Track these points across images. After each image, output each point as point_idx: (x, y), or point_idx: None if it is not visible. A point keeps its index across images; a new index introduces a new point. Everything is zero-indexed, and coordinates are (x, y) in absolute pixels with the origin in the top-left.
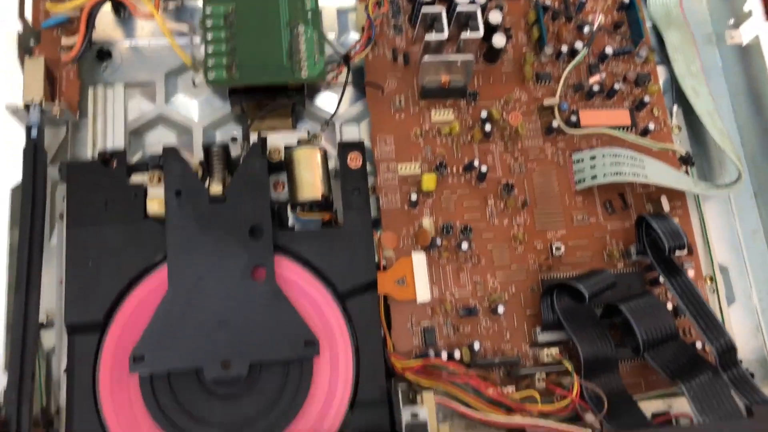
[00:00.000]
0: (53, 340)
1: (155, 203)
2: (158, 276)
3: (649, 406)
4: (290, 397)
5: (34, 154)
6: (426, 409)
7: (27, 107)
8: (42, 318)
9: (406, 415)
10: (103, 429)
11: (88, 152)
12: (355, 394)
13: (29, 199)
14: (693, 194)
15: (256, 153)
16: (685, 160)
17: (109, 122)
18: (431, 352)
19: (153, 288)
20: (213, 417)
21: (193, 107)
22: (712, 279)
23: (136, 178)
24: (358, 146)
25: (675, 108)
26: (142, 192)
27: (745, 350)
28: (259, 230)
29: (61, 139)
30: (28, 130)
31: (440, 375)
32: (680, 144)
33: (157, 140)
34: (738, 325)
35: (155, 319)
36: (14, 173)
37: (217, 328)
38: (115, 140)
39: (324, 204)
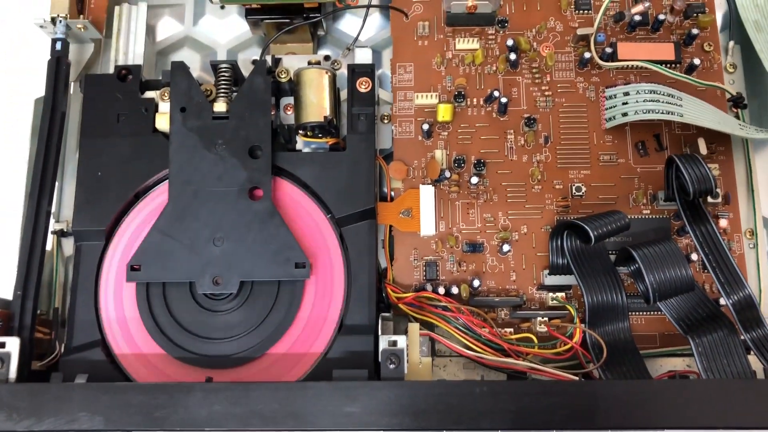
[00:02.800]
0: (72, 247)
1: (163, 118)
2: (163, 190)
3: (665, 364)
4: (279, 317)
5: (56, 67)
6: (405, 339)
7: (53, 21)
8: (63, 226)
9: (384, 342)
10: (101, 332)
11: (113, 70)
12: (344, 319)
13: (49, 108)
14: (740, 139)
15: (261, 72)
16: (736, 102)
17: (131, 40)
18: (428, 286)
19: (157, 202)
20: (202, 330)
21: (220, 29)
22: (753, 233)
23: (150, 94)
24: (368, 70)
25: (731, 44)
26: (152, 107)
27: None
28: (258, 150)
29: (88, 57)
30: (53, 43)
31: (436, 310)
32: (733, 85)
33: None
34: None
35: (153, 231)
36: (41, 86)
37: (212, 245)
38: (135, 59)
39: (328, 128)
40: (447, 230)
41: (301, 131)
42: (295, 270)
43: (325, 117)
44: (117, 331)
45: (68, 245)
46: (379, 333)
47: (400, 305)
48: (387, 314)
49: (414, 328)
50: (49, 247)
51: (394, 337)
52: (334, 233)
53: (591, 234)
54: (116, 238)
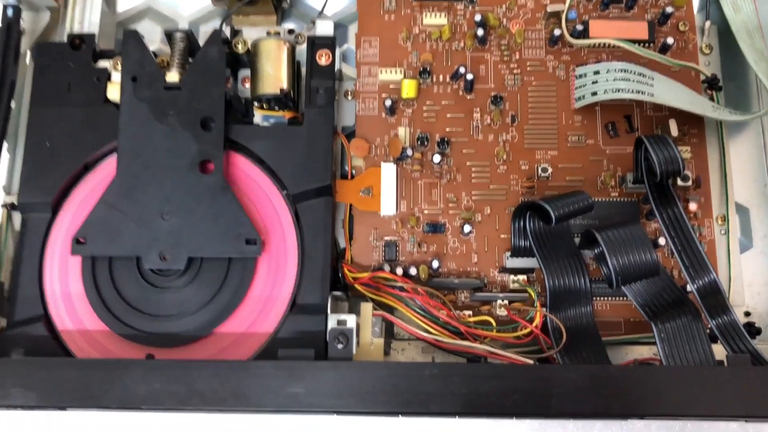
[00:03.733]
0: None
1: (114, 88)
2: (112, 162)
3: (630, 352)
4: (229, 294)
5: (7, 34)
6: (356, 318)
7: None
8: (14, 199)
9: (332, 321)
10: (44, 307)
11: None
12: (296, 298)
13: None
14: (714, 122)
15: (216, 41)
16: (711, 84)
17: (88, 9)
18: (386, 267)
19: (106, 174)
20: (148, 307)
21: (183, 1)
22: (725, 219)
23: (104, 64)
24: (328, 42)
25: (708, 24)
26: (105, 76)
27: (756, 302)
28: (211, 122)
29: (44, 26)
30: (4, 9)
31: (393, 291)
32: (708, 66)
33: (143, 33)
34: (751, 275)
35: (100, 203)
36: None
37: (160, 219)
38: (91, 28)
39: (285, 101)
40: (408, 210)
41: (256, 103)
42: (245, 247)
43: (282, 89)
44: (61, 306)
45: (18, 219)
46: (328, 312)
47: (356, 285)
48: (338, 293)
49: (366, 307)
50: None
51: (343, 316)
52: (289, 210)
53: (552, 214)
54: (63, 211)
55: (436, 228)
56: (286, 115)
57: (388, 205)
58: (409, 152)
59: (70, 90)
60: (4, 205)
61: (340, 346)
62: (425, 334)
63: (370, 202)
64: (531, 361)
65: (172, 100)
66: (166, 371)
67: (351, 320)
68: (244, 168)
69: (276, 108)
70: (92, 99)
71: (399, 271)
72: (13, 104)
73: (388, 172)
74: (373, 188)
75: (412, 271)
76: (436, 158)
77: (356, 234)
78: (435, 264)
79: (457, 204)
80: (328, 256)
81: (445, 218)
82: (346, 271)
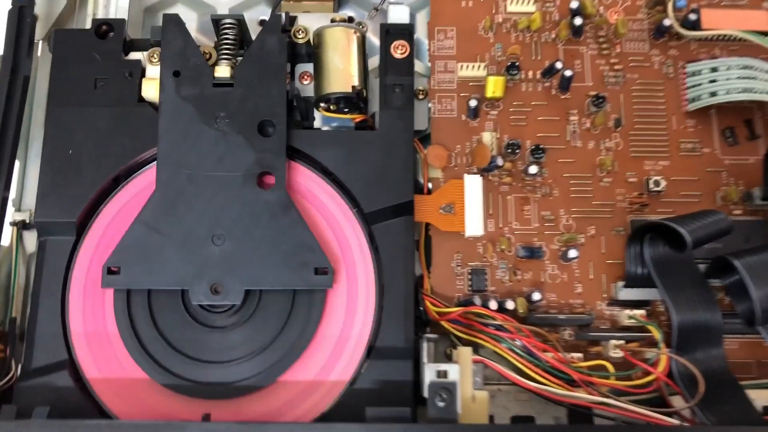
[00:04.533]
0: (33, 244)
1: (151, 85)
2: (149, 174)
3: (759, 396)
4: (294, 335)
5: (18, 19)
6: (458, 367)
7: None
8: (25, 216)
9: (431, 372)
10: (69, 350)
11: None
12: (375, 340)
13: (8, 70)
14: None
15: (274, 29)
16: None
17: None
18: (477, 300)
19: (142, 188)
20: (197, 351)
21: None
22: None
23: (136, 56)
24: (405, 31)
25: None
26: (138, 71)
27: None
28: (270, 126)
29: (60, 10)
30: None
31: (486, 330)
32: None
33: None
34: None
35: (136, 224)
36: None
37: (210, 244)
38: (118, 12)
39: (356, 101)
40: (497, 231)
41: (322, 104)
42: (314, 277)
43: (354, 87)
44: (89, 349)
45: (31, 240)
46: (424, 359)
47: (443, 323)
48: (432, 335)
49: (465, 353)
50: (6, 242)
51: (444, 366)
52: (362, 232)
53: (686, 239)
54: (90, 233)
55: (532, 253)
56: (355, 118)
57: (473, 225)
58: (499, 162)
59: (96, 87)
60: (14, 224)
61: (442, 404)
62: (531, 383)
63: (452, 221)
64: (674, 420)
65: (222, 100)
66: None
67: (453, 371)
68: (308, 181)
69: (345, 110)
70: (123, 98)
71: (493, 305)
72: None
73: (473, 185)
74: (455, 204)
75: (509, 304)
76: (532, 169)
77: (435, 259)
78: (536, 296)
79: (554, 223)
80: (411, 287)
81: (542, 240)
82: (428, 304)
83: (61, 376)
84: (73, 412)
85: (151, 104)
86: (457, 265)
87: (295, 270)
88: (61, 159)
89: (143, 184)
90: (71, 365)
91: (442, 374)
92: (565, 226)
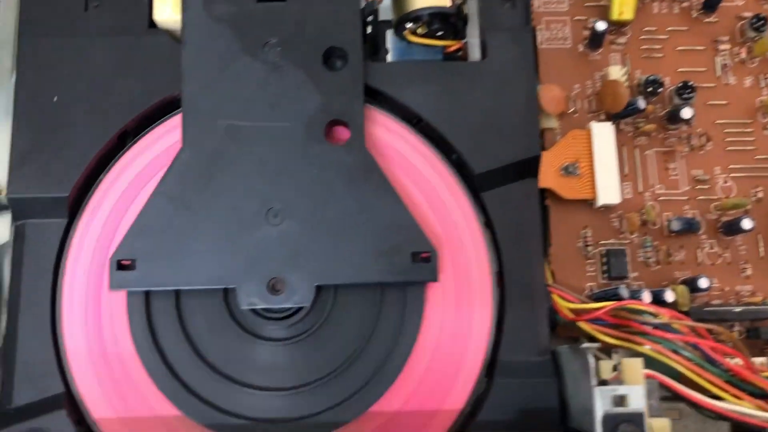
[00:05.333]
0: (7, 231)
1: (167, 4)
2: (173, 127)
3: None
4: (385, 349)
5: None
6: (641, 391)
7: None
8: None
9: (604, 399)
10: (65, 381)
11: None
12: (496, 351)
13: None
14: None
15: None
16: None
17: None
18: (624, 291)
19: (161, 147)
20: (248, 375)
21: None
22: None
23: None
24: None
25: None
26: None
27: None
28: (339, 56)
29: None
30: None
31: (650, 332)
32: None
33: None
34: None
35: (156, 199)
36: None
37: (264, 223)
38: None
39: (454, 21)
40: (636, 197)
41: (409, 25)
42: (412, 266)
43: (454, 1)
44: (95, 378)
45: (1, 226)
46: (593, 380)
47: (581, 324)
48: (592, 344)
49: (634, 367)
50: None
51: (622, 388)
52: (469, 203)
53: None
54: (89, 213)
55: (689, 226)
56: (450, 45)
57: (608, 190)
58: (641, 104)
59: (87, 8)
60: None
61: None
62: (717, 403)
63: (576, 186)
64: None
65: (272, 21)
66: None
67: (636, 396)
68: (390, 134)
69: (439, 33)
70: (128, 23)
71: (646, 297)
72: None
73: (605, 136)
74: (580, 163)
75: (667, 296)
76: (686, 113)
77: (555, 237)
78: (703, 283)
79: (709, 185)
80: (542, 276)
81: (694, 208)
82: (556, 299)
83: (56, 418)
84: None
85: (168, 32)
86: (586, 245)
87: (384, 257)
88: (43, 111)
89: (162, 142)
90: (69, 401)
91: (618, 401)
92: (723, 189)
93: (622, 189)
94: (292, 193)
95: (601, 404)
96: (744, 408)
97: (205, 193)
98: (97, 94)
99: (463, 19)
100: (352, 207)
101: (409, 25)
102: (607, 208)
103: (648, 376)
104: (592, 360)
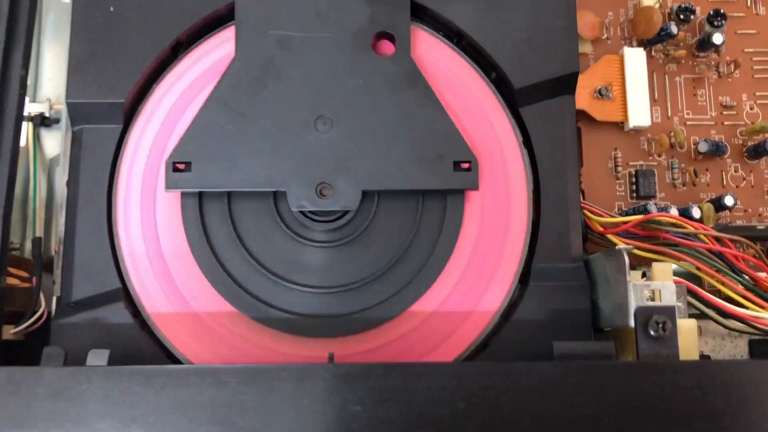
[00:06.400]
0: (59, 144)
1: None
2: (225, 39)
3: None
4: (425, 253)
5: None
6: (673, 287)
7: None
8: (44, 109)
9: (638, 293)
10: (121, 277)
11: None
12: (530, 258)
13: None
14: None
15: None
16: None
17: None
18: (652, 207)
19: (216, 58)
20: (294, 274)
21: None
22: None
23: None
24: None
25: None
26: None
27: None
28: None
29: None
30: None
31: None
32: None
33: None
34: None
35: (211, 105)
36: None
37: (313, 130)
38: None
39: None
40: (665, 121)
41: None
42: (454, 174)
43: None
44: (152, 275)
45: (51, 140)
46: (627, 275)
47: (610, 236)
48: (627, 245)
49: (664, 270)
50: (21, 141)
51: (654, 284)
52: (507, 117)
53: None
54: (143, 118)
55: (716, 149)
56: None
57: (639, 113)
58: (673, 29)
59: None
60: (29, 118)
61: (656, 335)
62: (741, 310)
63: (609, 109)
64: None
65: None
66: (377, 383)
67: (668, 292)
68: (434, 48)
69: None
70: None
71: (673, 212)
72: None
73: (637, 61)
74: (612, 87)
75: (694, 212)
76: (717, 38)
77: (587, 156)
78: (728, 200)
79: (736, 111)
80: (577, 189)
81: (720, 133)
82: (588, 213)
83: (114, 310)
84: (136, 356)
85: None
86: (616, 166)
87: (427, 164)
88: (99, 20)
89: (214, 52)
90: (126, 296)
91: (650, 296)
92: (749, 115)
93: (652, 113)
94: (339, 101)
95: (635, 299)
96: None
97: (256, 100)
98: (151, 5)
99: None
100: (397, 116)
101: None
102: (637, 131)
103: (676, 282)
104: (626, 258)
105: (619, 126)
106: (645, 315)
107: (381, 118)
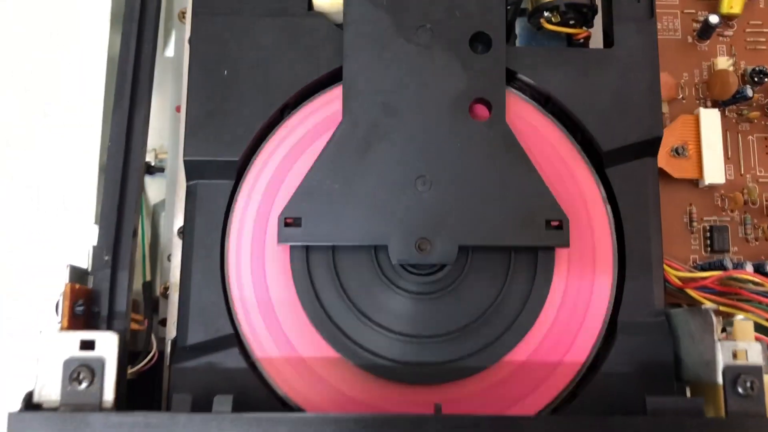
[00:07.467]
0: (162, 190)
1: None
2: (327, 102)
3: None
4: (516, 306)
5: None
6: (759, 348)
7: None
8: (149, 158)
9: (726, 352)
10: (233, 323)
11: None
12: (617, 312)
13: None
14: None
15: None
16: None
17: None
18: (728, 262)
19: (319, 119)
20: (390, 322)
21: None
22: None
23: None
24: None
25: None
26: None
27: None
28: (484, 40)
29: None
30: None
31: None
32: None
33: None
34: None
35: (320, 165)
36: None
37: (414, 189)
38: None
39: (586, 11)
40: (738, 179)
41: (546, 13)
42: (546, 232)
43: None
44: (260, 321)
45: (156, 187)
46: (716, 334)
47: (689, 291)
48: (712, 305)
49: (745, 328)
50: None
51: (741, 344)
52: (593, 178)
53: None
54: (253, 174)
55: None
56: (579, 34)
57: (714, 170)
58: (749, 92)
59: None
60: None
61: (744, 393)
62: None
63: (685, 166)
64: None
65: (424, 6)
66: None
67: (755, 352)
68: (525, 113)
69: (571, 22)
70: (289, 6)
71: (749, 267)
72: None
73: (712, 121)
74: (688, 146)
75: None
76: None
77: (664, 211)
78: None
79: None
80: (660, 247)
81: None
82: (666, 267)
83: (229, 355)
84: (251, 401)
85: (323, 14)
86: (691, 221)
87: (521, 223)
88: (213, 83)
89: (321, 112)
90: (238, 341)
91: (736, 354)
92: None
93: (726, 171)
94: (438, 163)
95: (722, 357)
96: None
97: (362, 161)
98: (262, 69)
99: (594, 10)
100: (493, 177)
101: (546, 14)
102: (711, 188)
103: (757, 339)
104: (713, 318)
105: (694, 183)
106: (733, 373)
107: (477, 178)
